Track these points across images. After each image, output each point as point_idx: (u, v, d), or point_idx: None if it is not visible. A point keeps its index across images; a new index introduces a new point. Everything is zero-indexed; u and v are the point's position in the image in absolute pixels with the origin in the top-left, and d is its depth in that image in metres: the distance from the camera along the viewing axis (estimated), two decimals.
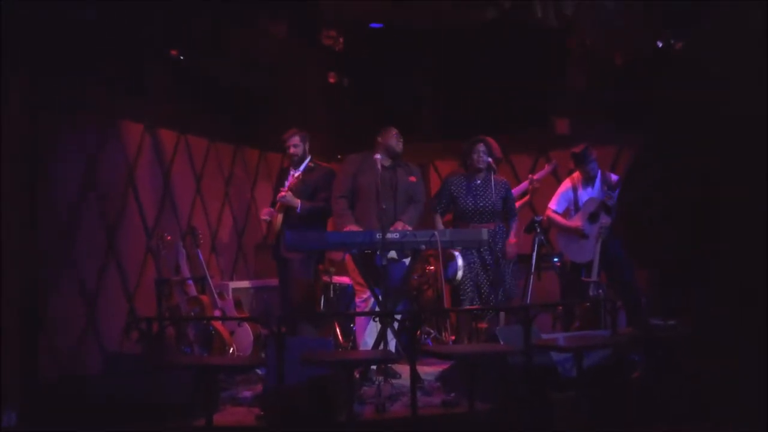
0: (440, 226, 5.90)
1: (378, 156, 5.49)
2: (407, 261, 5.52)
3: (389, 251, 5.20)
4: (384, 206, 5.20)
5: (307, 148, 6.33)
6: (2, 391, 4.63)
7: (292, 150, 6.29)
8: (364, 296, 5.61)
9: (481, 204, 5.84)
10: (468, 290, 5.72)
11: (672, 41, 5.39)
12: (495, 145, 5.91)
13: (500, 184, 5.94)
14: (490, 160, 5.84)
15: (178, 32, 6.17)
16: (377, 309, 5.25)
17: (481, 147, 5.85)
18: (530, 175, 6.98)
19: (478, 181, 5.88)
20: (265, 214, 6.38)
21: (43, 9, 4.92)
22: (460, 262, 5.61)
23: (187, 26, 6.10)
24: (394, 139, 5.68)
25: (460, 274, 5.61)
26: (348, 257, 5.66)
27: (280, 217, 6.18)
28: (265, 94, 7.17)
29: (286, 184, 6.19)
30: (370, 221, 5.44)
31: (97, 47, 5.48)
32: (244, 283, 7.02)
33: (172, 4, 5.70)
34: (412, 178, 5.74)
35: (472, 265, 5.73)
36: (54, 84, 5.38)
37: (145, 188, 6.48)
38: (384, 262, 5.06)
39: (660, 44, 5.50)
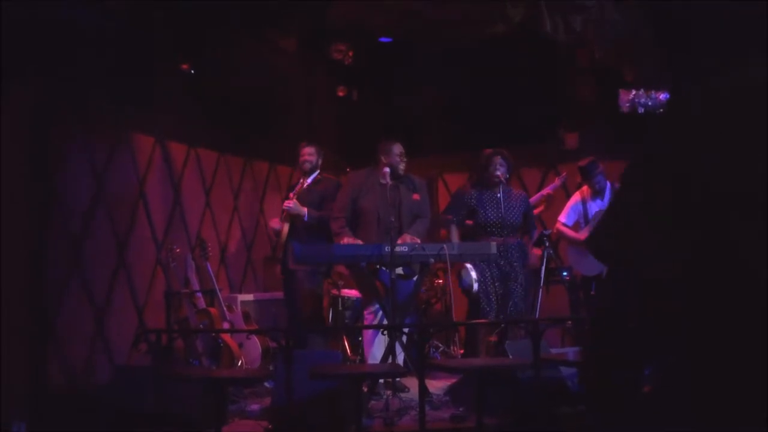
0: (456, 237, 5.78)
1: (387, 170, 5.42)
2: (415, 279, 5.45)
3: (397, 268, 5.15)
4: (392, 218, 5.15)
5: (319, 162, 6.34)
6: (12, 402, 4.64)
7: (305, 157, 6.28)
8: (372, 309, 5.59)
9: (505, 218, 5.73)
10: (485, 302, 5.65)
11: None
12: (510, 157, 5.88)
13: (520, 198, 5.91)
14: (506, 172, 5.81)
15: (189, 46, 6.22)
16: (385, 322, 5.24)
17: (499, 159, 5.78)
18: (546, 190, 7.02)
19: (499, 195, 5.75)
20: (275, 223, 6.37)
21: (54, 20, 4.96)
22: (474, 274, 5.57)
23: (197, 40, 6.15)
24: (397, 158, 5.51)
25: (476, 286, 5.57)
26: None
27: (286, 227, 6.17)
28: (274, 107, 7.20)
29: (291, 194, 6.21)
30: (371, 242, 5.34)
31: (108, 60, 5.52)
32: (253, 296, 7.02)
33: (183, 18, 5.75)
34: (416, 196, 5.59)
35: (486, 276, 5.68)
36: (65, 96, 5.42)
37: (155, 201, 6.50)
38: (393, 277, 5.03)
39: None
